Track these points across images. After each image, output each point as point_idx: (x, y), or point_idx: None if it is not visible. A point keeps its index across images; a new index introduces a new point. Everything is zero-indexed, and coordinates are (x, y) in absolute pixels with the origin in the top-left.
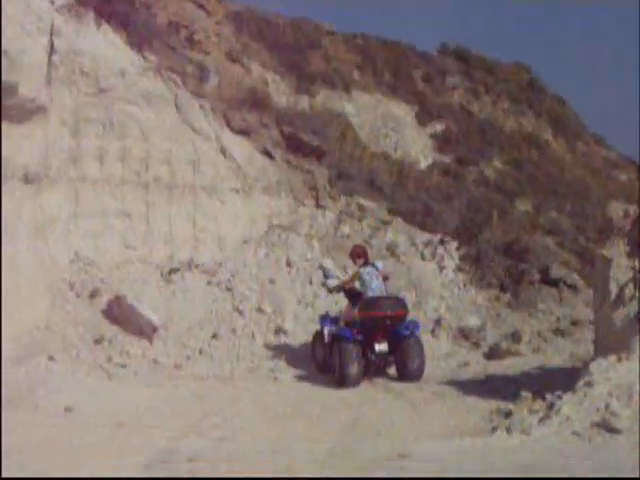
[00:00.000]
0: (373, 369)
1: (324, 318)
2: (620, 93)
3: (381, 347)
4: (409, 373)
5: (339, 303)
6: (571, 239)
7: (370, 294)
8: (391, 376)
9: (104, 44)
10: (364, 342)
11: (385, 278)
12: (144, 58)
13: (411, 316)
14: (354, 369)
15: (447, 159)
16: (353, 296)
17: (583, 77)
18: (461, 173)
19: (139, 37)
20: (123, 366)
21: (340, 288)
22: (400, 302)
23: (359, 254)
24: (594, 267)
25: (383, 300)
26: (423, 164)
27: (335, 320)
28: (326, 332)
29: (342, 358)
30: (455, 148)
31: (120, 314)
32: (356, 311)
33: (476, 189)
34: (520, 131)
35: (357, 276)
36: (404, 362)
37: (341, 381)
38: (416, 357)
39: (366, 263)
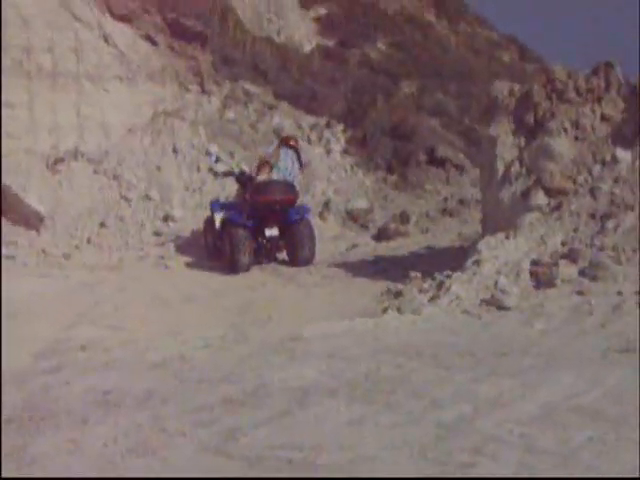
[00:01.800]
0: (264, 254)
1: (214, 204)
2: None
3: (272, 232)
4: (300, 258)
5: (227, 188)
6: (456, 120)
7: (276, 176)
8: (282, 261)
9: None
10: (254, 227)
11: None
12: None
13: (300, 200)
14: (244, 254)
15: (331, 42)
16: (244, 181)
17: None
18: (345, 56)
19: None
20: (11, 257)
21: (230, 173)
22: (290, 186)
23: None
24: (480, 146)
25: (273, 184)
26: (307, 48)
27: (226, 206)
28: (216, 218)
29: (232, 243)
30: (338, 31)
31: (6, 205)
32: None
33: (360, 72)
34: (403, 13)
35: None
36: (295, 247)
37: (231, 267)
38: (307, 241)
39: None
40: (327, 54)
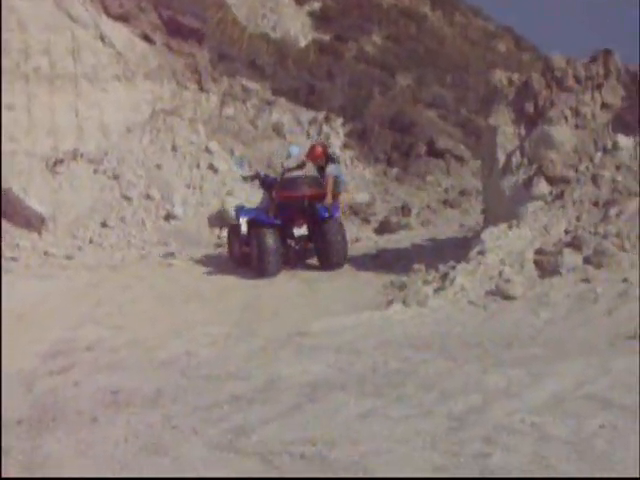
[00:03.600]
0: (293, 256)
1: (239, 209)
2: None
3: (300, 231)
4: (331, 260)
5: (228, 184)
6: (454, 111)
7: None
8: (312, 264)
9: None
10: (282, 227)
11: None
12: None
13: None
14: (273, 256)
15: (326, 37)
16: (269, 183)
17: None
18: (341, 50)
19: None
20: (14, 259)
21: (256, 177)
22: (318, 181)
23: (319, 154)
24: (481, 136)
25: (300, 180)
26: (303, 43)
27: (251, 210)
28: (242, 222)
29: (260, 245)
30: (334, 26)
31: (7, 207)
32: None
33: (357, 65)
34: (398, 6)
35: (333, 181)
36: (325, 247)
37: (260, 270)
38: (338, 241)
39: (327, 161)
40: (323, 48)
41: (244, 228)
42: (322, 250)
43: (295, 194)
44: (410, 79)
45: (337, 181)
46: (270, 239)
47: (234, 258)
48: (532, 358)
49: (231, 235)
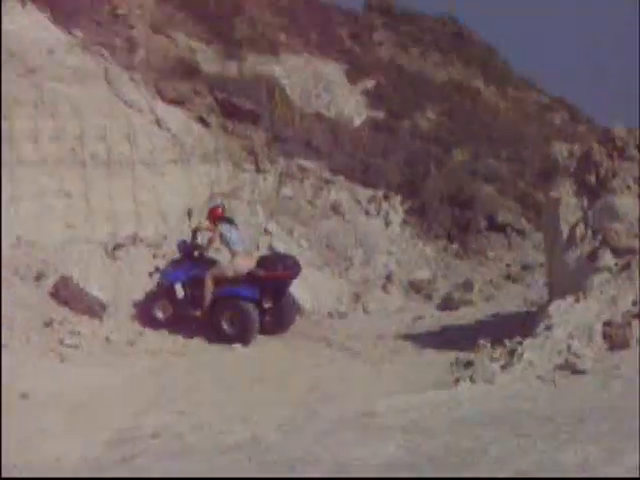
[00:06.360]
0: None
1: (175, 267)
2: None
3: (268, 304)
4: (287, 324)
5: None
6: (511, 184)
7: (235, 248)
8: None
9: (30, 23)
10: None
11: None
12: (71, 35)
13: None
14: (255, 328)
15: (380, 114)
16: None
17: (508, 24)
18: (395, 127)
19: (64, 14)
20: (75, 347)
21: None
22: (298, 264)
23: (218, 216)
24: (540, 209)
25: (286, 260)
26: (357, 121)
27: (181, 269)
28: (178, 287)
29: (245, 319)
30: (387, 103)
31: (67, 295)
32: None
33: (412, 142)
34: (451, 81)
35: (216, 237)
36: (284, 315)
37: (245, 340)
38: (294, 309)
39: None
40: (377, 126)
41: (180, 292)
42: (280, 317)
43: (282, 275)
44: (466, 154)
45: (226, 238)
46: (254, 313)
47: (157, 320)
48: (606, 433)
49: (156, 297)
